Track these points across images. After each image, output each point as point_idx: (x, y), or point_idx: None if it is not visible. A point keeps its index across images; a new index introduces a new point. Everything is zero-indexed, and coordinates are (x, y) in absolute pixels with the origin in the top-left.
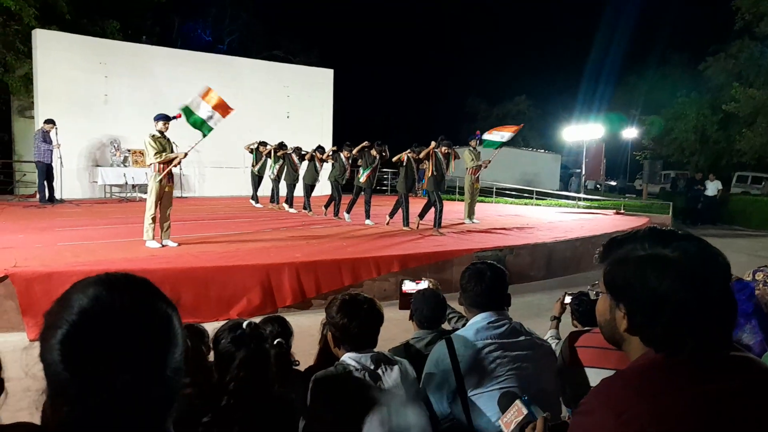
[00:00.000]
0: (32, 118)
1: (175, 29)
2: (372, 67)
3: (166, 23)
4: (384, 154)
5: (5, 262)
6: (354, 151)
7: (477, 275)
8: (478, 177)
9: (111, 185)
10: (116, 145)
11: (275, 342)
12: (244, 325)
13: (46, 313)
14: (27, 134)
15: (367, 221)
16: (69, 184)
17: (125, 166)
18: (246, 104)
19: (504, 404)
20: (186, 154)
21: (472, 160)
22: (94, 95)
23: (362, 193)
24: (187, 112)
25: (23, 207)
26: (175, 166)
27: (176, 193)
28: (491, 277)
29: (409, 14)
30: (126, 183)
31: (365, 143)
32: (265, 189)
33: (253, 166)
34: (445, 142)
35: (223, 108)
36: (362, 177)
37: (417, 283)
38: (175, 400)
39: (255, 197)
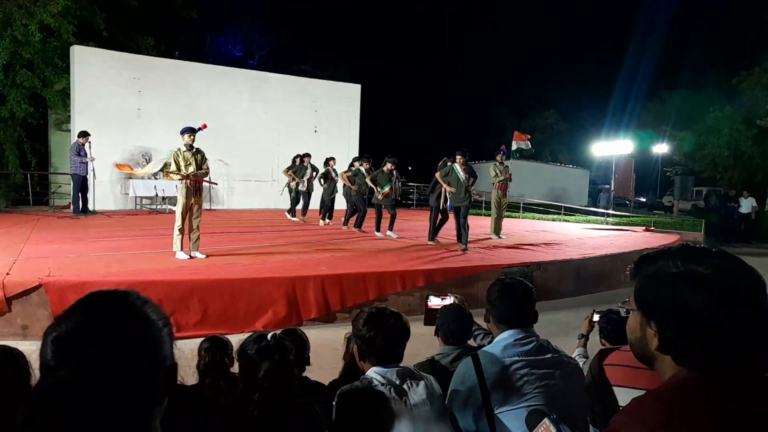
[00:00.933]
0: (68, 131)
1: (207, 45)
2: (400, 79)
3: (198, 39)
4: (394, 171)
5: (39, 271)
6: (367, 180)
7: (506, 291)
8: (505, 192)
9: (142, 197)
10: (147, 158)
11: None
12: (269, 336)
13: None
14: (63, 147)
15: (389, 233)
16: (101, 195)
17: (156, 178)
18: (275, 119)
19: (532, 422)
20: (182, 176)
21: (495, 175)
22: (127, 109)
23: (384, 208)
24: None
25: (58, 218)
26: (205, 176)
27: (205, 205)
28: (521, 294)
29: (438, 27)
30: (156, 195)
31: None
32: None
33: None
34: (457, 153)
35: None
36: (379, 195)
37: (443, 299)
38: (162, 394)
39: (292, 211)
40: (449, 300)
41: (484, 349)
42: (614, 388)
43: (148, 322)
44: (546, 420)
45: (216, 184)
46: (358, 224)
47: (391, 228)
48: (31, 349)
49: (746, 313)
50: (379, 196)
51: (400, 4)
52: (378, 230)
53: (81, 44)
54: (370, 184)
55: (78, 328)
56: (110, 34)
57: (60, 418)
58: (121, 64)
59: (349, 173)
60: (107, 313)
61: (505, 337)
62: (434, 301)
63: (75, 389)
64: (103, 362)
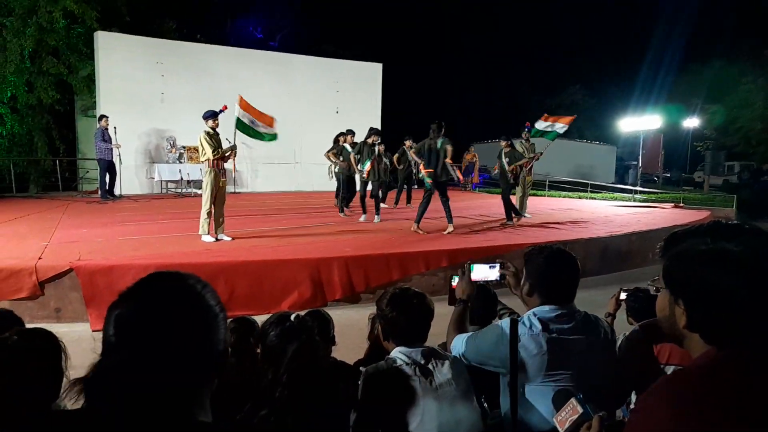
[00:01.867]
0: (94, 117)
1: (228, 27)
2: (423, 58)
3: (220, 22)
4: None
5: (70, 255)
6: (351, 157)
7: (554, 262)
8: (530, 170)
9: (167, 181)
10: (172, 142)
11: None
12: (292, 317)
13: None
14: (90, 133)
15: (362, 218)
16: (127, 180)
17: (180, 162)
18: (296, 99)
19: (559, 402)
20: (235, 147)
21: (523, 152)
22: (151, 94)
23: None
24: (241, 126)
25: (86, 203)
26: (226, 161)
27: (229, 188)
28: (569, 266)
29: (459, 4)
30: (181, 179)
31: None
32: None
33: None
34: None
35: (262, 117)
36: (364, 171)
37: None
38: (214, 376)
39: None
40: None
41: (523, 319)
42: (670, 367)
43: (205, 307)
44: (573, 399)
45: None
46: (341, 204)
47: (377, 212)
48: (64, 331)
49: None
50: (364, 174)
51: None
52: (376, 213)
53: (104, 30)
54: (352, 161)
55: (140, 309)
56: (133, 18)
57: (119, 396)
58: (145, 48)
59: (335, 150)
60: (168, 295)
61: (546, 310)
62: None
63: (134, 369)
64: (162, 344)
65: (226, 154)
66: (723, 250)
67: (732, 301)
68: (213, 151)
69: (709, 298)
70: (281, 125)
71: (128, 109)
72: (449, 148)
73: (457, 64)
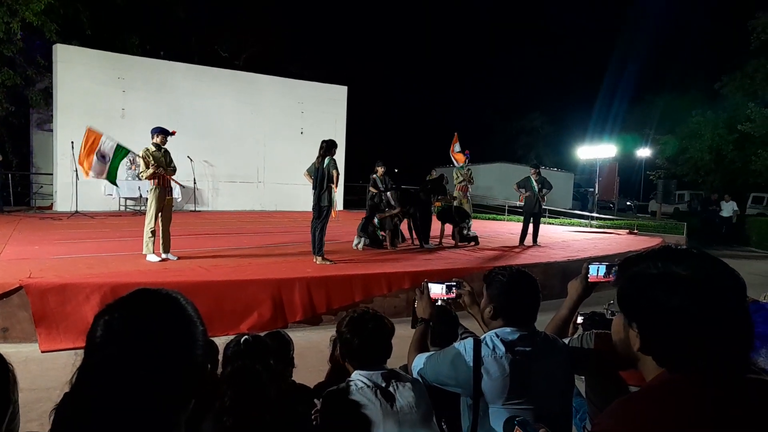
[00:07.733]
0: (51, 131)
1: (193, 44)
2: (385, 81)
3: (184, 39)
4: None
5: (20, 272)
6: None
7: (514, 285)
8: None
9: (125, 198)
10: (131, 159)
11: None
12: (242, 340)
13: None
14: (45, 147)
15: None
16: (84, 196)
17: (139, 179)
18: (260, 119)
19: (507, 429)
20: (161, 166)
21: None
22: (111, 109)
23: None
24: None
25: (39, 218)
26: (171, 175)
27: (189, 207)
28: (531, 289)
29: (425, 28)
30: (140, 196)
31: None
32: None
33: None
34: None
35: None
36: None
37: None
38: (190, 391)
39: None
40: (436, 303)
41: (485, 339)
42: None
43: (188, 317)
44: (516, 425)
45: (183, 186)
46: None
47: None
48: (11, 351)
49: (724, 314)
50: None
51: (384, 5)
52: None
53: (64, 43)
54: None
55: (128, 313)
56: (95, 32)
57: (105, 391)
58: (105, 63)
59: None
60: (155, 303)
61: (508, 332)
62: None
63: (121, 365)
64: (148, 345)
65: (158, 172)
66: (672, 273)
67: (681, 323)
68: (141, 171)
69: (660, 320)
70: (244, 144)
71: (87, 124)
72: (335, 171)
73: (421, 88)
